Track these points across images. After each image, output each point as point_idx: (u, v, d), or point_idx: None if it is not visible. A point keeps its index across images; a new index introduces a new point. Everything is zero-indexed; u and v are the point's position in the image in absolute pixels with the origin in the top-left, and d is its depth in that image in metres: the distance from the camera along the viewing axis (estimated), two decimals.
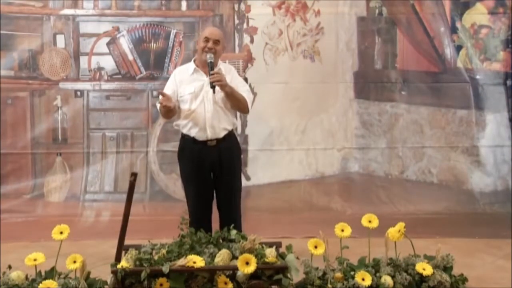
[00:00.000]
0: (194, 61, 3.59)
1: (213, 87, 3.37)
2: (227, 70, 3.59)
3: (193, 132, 3.51)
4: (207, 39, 3.48)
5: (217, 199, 3.64)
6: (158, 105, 3.56)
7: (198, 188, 3.57)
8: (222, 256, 2.86)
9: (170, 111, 3.46)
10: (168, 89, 3.56)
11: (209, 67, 3.41)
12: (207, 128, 3.48)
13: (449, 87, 5.12)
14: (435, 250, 3.12)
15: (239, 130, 4.94)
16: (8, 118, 4.97)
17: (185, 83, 3.54)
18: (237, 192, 3.68)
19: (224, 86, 3.39)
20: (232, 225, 3.16)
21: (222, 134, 3.52)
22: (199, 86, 3.49)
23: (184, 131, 3.56)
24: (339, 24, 5.13)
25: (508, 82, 5.10)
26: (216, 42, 3.48)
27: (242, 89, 3.55)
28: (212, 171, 3.56)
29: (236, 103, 3.51)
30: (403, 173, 5.17)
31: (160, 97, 3.44)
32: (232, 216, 3.56)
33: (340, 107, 5.18)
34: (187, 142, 3.57)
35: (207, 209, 3.60)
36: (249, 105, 3.57)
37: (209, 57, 3.42)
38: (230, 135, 3.60)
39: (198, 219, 3.49)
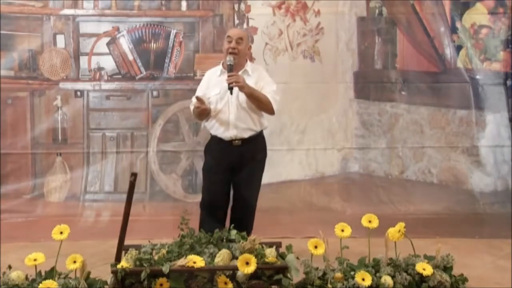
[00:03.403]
0: (223, 63, 3.61)
1: (230, 88, 3.39)
2: (254, 70, 3.60)
3: (219, 133, 3.55)
4: (230, 39, 3.50)
5: (233, 197, 3.69)
6: (191, 107, 3.61)
7: (211, 185, 3.63)
8: (222, 256, 2.86)
9: (203, 114, 3.52)
10: (199, 91, 3.61)
11: (228, 69, 3.44)
12: (231, 129, 3.51)
13: (449, 87, 5.12)
14: (435, 250, 3.12)
15: None
16: (8, 118, 4.97)
17: (213, 84, 3.58)
18: (254, 193, 3.70)
19: (242, 88, 3.40)
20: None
21: (247, 134, 3.55)
22: (225, 87, 3.47)
23: (212, 131, 3.61)
24: (339, 24, 5.13)
25: (508, 82, 5.10)
26: (239, 40, 3.49)
27: (267, 90, 3.54)
28: (231, 171, 3.59)
29: (258, 104, 3.51)
30: (403, 173, 5.17)
31: (194, 100, 3.49)
32: (245, 215, 3.62)
33: (340, 107, 5.17)
34: (213, 141, 3.63)
35: (218, 207, 3.64)
36: (274, 106, 3.54)
37: (228, 59, 3.45)
38: (257, 136, 3.62)
39: (208, 214, 3.57)
